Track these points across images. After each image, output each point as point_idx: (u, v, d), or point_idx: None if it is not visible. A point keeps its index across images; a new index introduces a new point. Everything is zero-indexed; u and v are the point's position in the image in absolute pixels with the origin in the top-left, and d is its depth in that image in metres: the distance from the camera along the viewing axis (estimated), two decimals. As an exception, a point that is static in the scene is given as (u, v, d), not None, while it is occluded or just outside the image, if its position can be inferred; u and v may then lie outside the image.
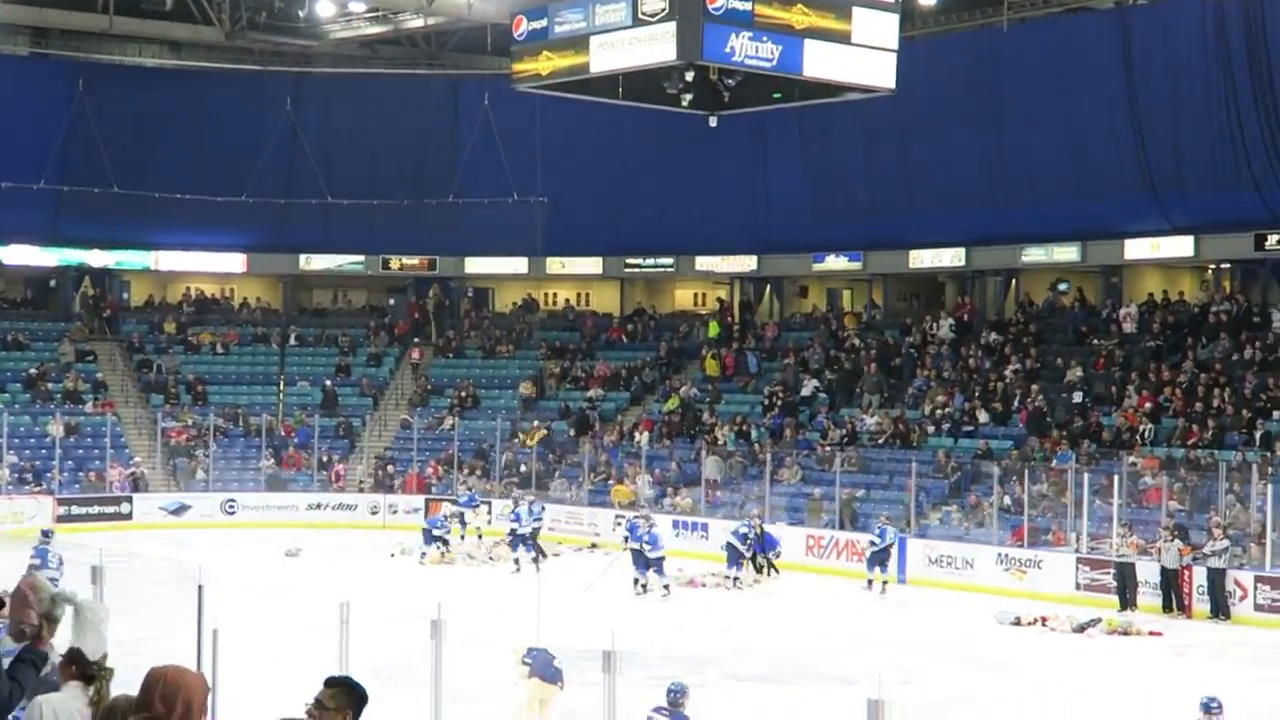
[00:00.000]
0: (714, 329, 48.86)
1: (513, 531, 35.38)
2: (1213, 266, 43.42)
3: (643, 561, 31.23)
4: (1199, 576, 29.06)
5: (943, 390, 40.95)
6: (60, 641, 6.96)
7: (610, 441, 44.63)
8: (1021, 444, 37.24)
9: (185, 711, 5.88)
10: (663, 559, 31.41)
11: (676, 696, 13.18)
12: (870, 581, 32.24)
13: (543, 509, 37.13)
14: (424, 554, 36.00)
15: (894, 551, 32.78)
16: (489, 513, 39.14)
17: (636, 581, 31.13)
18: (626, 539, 32.12)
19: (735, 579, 32.41)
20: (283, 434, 46.80)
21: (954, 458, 37.54)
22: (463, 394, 48.68)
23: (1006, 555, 32.40)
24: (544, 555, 35.48)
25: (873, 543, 32.64)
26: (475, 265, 52.98)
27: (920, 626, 28.70)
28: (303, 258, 52.36)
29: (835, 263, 48.09)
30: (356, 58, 50.42)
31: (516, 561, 34.72)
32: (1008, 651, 25.34)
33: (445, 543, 36.20)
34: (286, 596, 29.43)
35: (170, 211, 47.92)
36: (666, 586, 31.19)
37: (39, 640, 6.73)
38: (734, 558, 32.56)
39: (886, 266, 47.44)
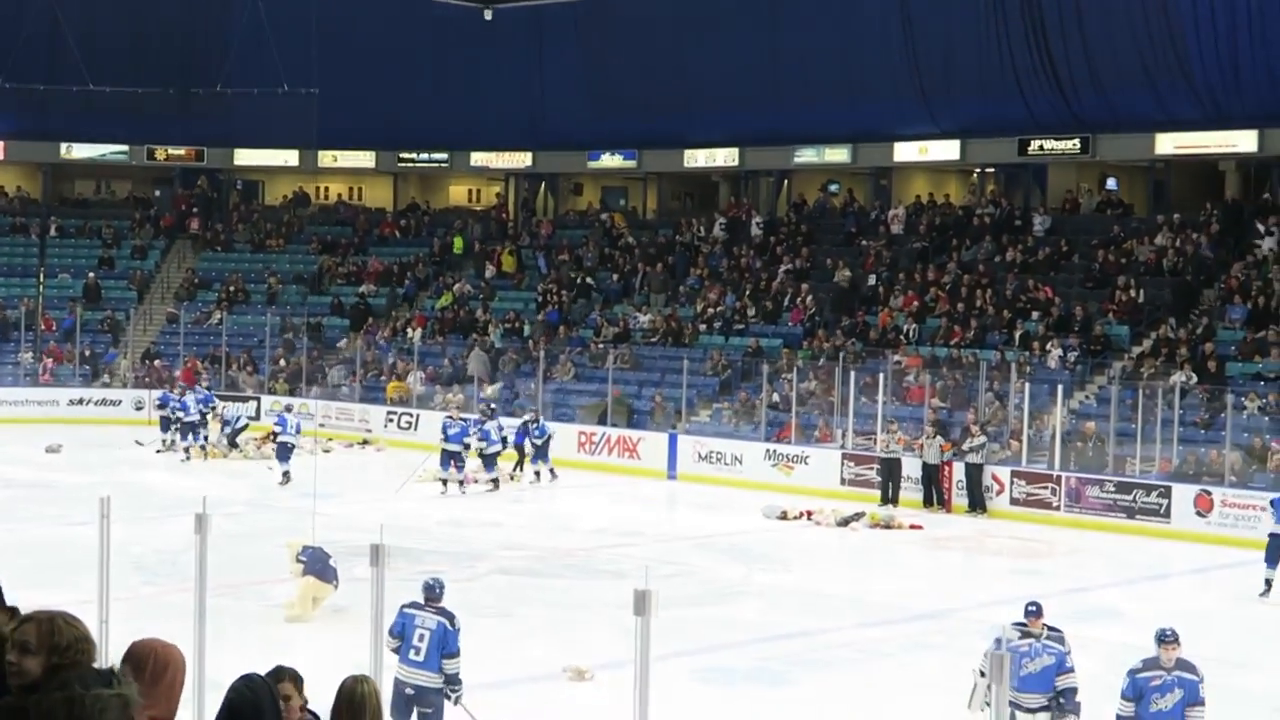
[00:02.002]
0: (458, 244, 48.13)
1: (181, 420, 35.57)
2: (978, 170, 44.43)
3: (450, 460, 30.87)
4: (958, 472, 29.94)
5: (715, 289, 41.35)
6: None
7: (383, 337, 44.27)
8: (791, 342, 37.82)
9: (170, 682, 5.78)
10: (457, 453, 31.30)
11: (433, 591, 13.16)
12: (538, 474, 32.52)
13: (240, 411, 36.70)
14: (162, 442, 35.74)
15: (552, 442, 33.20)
16: (239, 410, 38.31)
17: (445, 482, 30.72)
18: (443, 438, 31.54)
19: (523, 474, 32.47)
20: (43, 328, 45.48)
21: (725, 355, 37.99)
22: (231, 288, 47.80)
23: (774, 451, 32.96)
24: (226, 452, 35.54)
25: (528, 433, 33.18)
26: (244, 157, 51.88)
27: (689, 521, 29.14)
28: (63, 146, 50.69)
29: (610, 161, 48.10)
30: (120, -61, 48.70)
31: (203, 448, 35.02)
32: (774, 545, 25.84)
33: (170, 427, 35.80)
34: (47, 492, 28.74)
35: (-79, 96, 46.00)
36: (495, 481, 31.07)
37: None
38: (487, 463, 32.16)
39: (661, 165, 47.59)
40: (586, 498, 31.18)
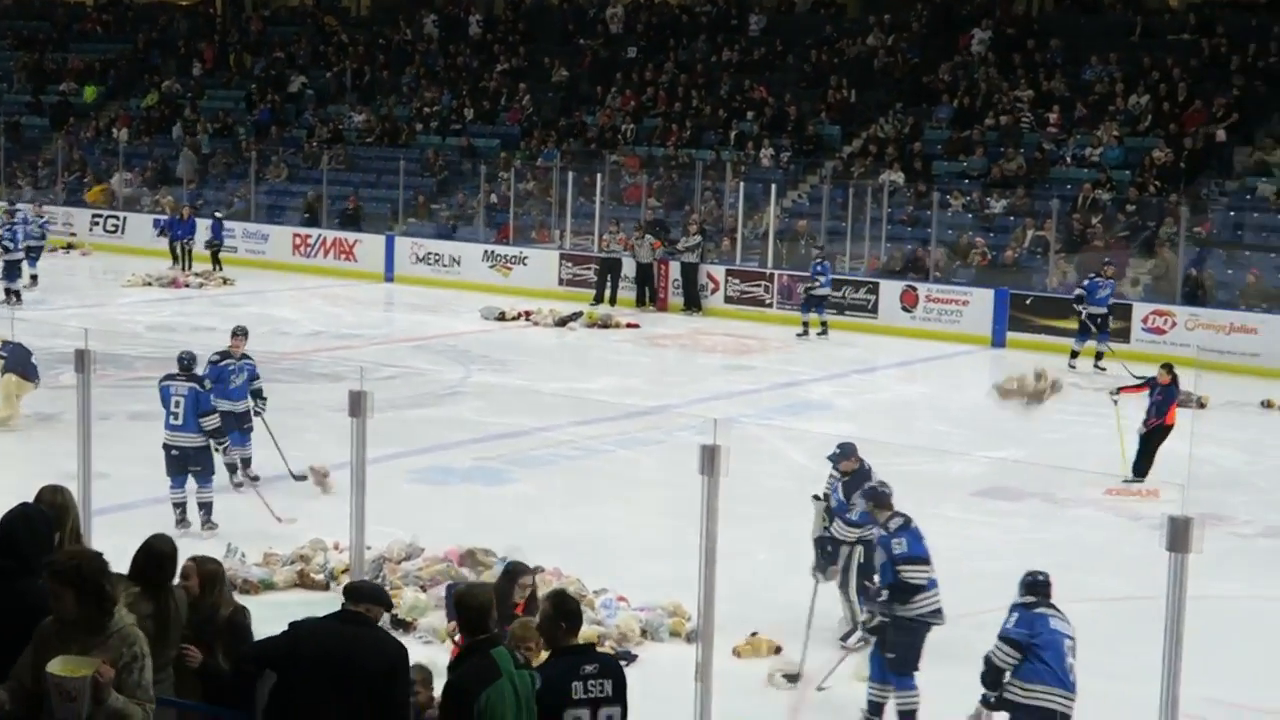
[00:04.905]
0: (90, 93, 45.20)
1: None
2: (695, -31, 44.25)
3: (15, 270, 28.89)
4: (675, 271, 30.30)
5: (431, 88, 40.69)
6: None
7: (86, 138, 42.64)
8: (509, 142, 37.52)
9: None
10: (20, 260, 29.17)
11: (182, 363, 14.53)
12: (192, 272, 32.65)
13: None
14: None
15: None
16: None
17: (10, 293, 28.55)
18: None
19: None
20: None
21: (442, 155, 37.54)
22: (-80, 86, 45.46)
23: (492, 253, 32.89)
24: None
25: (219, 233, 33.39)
26: (-70, -54, 49.08)
27: (407, 323, 29.01)
28: None
29: (322, -46, 46.70)
30: None
31: None
32: (492, 346, 25.90)
33: None
34: None
35: None
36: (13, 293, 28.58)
37: None
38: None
39: (375, -40, 46.42)
40: (302, 301, 30.73)
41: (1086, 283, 25.16)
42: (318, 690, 6.51)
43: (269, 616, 7.79)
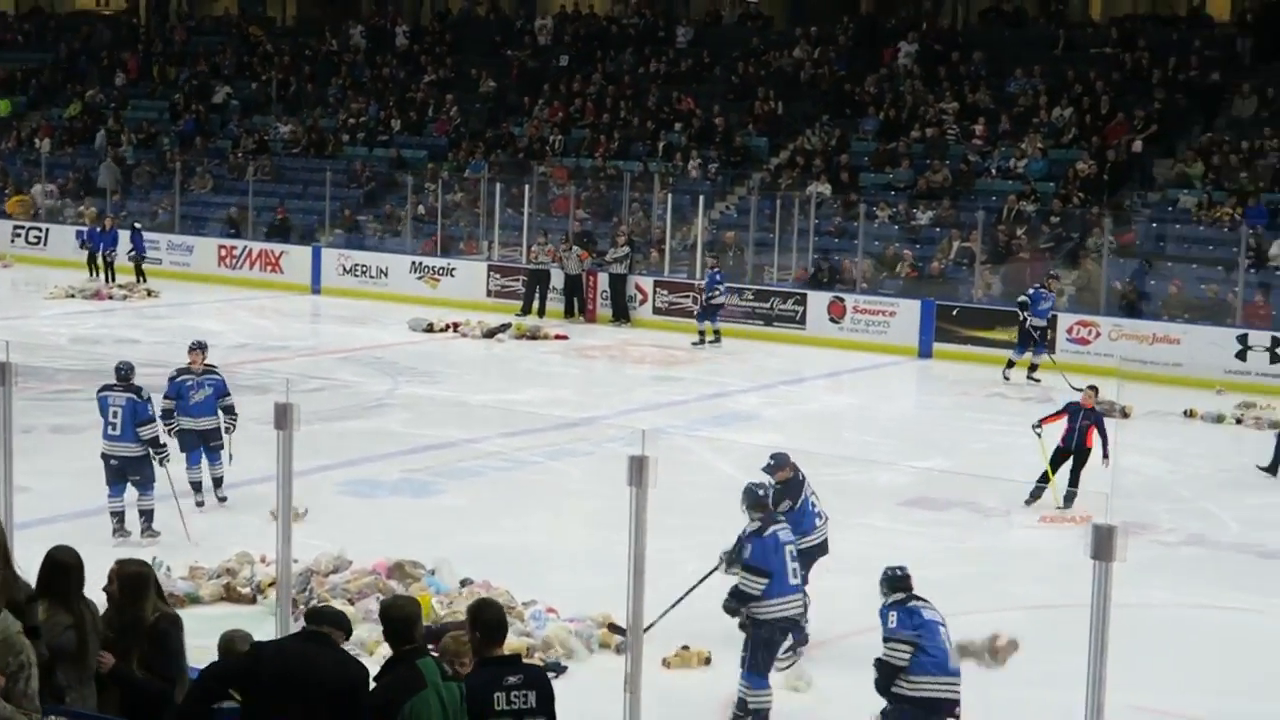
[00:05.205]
0: (4, 107, 44.51)
1: None
2: (622, -19, 44.36)
3: None
4: (603, 282, 30.30)
5: (358, 99, 40.51)
6: None
7: (7, 148, 42.18)
8: (436, 154, 37.39)
9: None
10: None
11: (120, 372, 14.17)
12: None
13: None
14: None
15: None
16: None
17: None
18: None
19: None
20: None
21: (369, 167, 37.38)
22: None
23: (420, 264, 32.78)
24: None
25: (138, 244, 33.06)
26: None
27: (334, 335, 28.86)
28: None
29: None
30: None
31: None
32: (421, 357, 25.80)
33: None
34: None
35: None
36: None
37: None
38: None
39: (300, -30, 46.19)
40: (227, 313, 30.49)
41: (1031, 292, 25.10)
42: (280, 706, 6.48)
43: (196, 630, 7.72)
